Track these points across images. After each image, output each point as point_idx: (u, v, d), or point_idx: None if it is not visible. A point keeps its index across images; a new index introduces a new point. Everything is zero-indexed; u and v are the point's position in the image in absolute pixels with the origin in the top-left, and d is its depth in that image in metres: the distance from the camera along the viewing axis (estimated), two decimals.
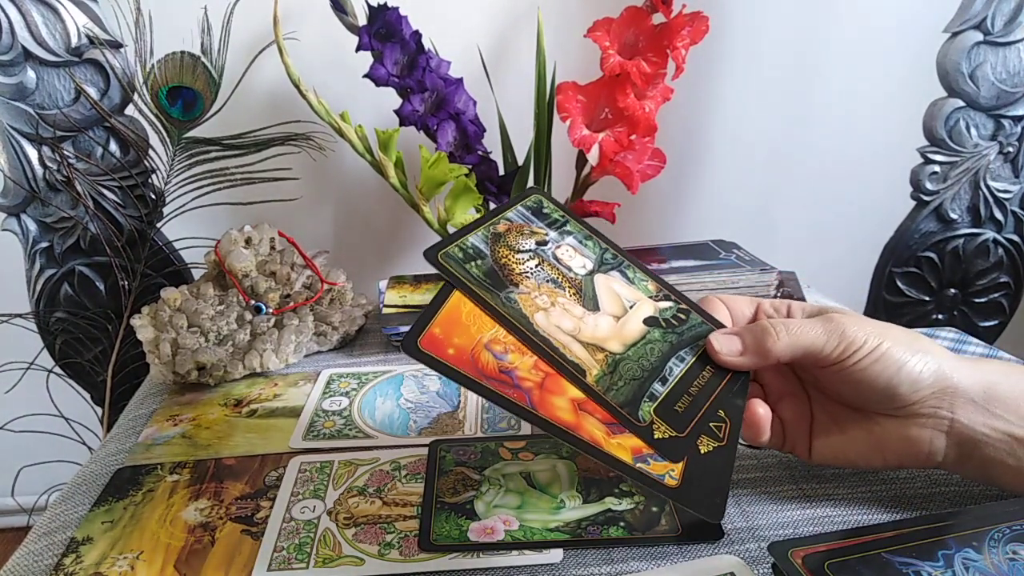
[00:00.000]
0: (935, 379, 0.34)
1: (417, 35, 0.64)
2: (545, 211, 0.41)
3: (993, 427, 0.34)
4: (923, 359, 0.34)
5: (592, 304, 0.37)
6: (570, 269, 0.38)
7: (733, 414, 0.35)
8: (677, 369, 0.36)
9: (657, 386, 0.35)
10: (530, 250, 0.38)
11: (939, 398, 0.34)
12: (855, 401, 0.36)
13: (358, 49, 0.64)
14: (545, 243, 0.39)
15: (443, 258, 0.36)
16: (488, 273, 0.36)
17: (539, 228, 0.40)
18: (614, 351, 0.36)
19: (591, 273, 0.39)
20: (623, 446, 0.32)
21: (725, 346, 0.36)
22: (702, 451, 0.33)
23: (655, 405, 0.34)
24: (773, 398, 0.38)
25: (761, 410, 0.36)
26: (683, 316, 0.39)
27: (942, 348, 0.36)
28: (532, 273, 0.37)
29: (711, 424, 0.35)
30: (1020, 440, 0.34)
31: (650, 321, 0.38)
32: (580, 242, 0.40)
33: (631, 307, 0.38)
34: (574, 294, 0.37)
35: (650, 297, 0.39)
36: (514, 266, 0.37)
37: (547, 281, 0.37)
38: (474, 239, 0.38)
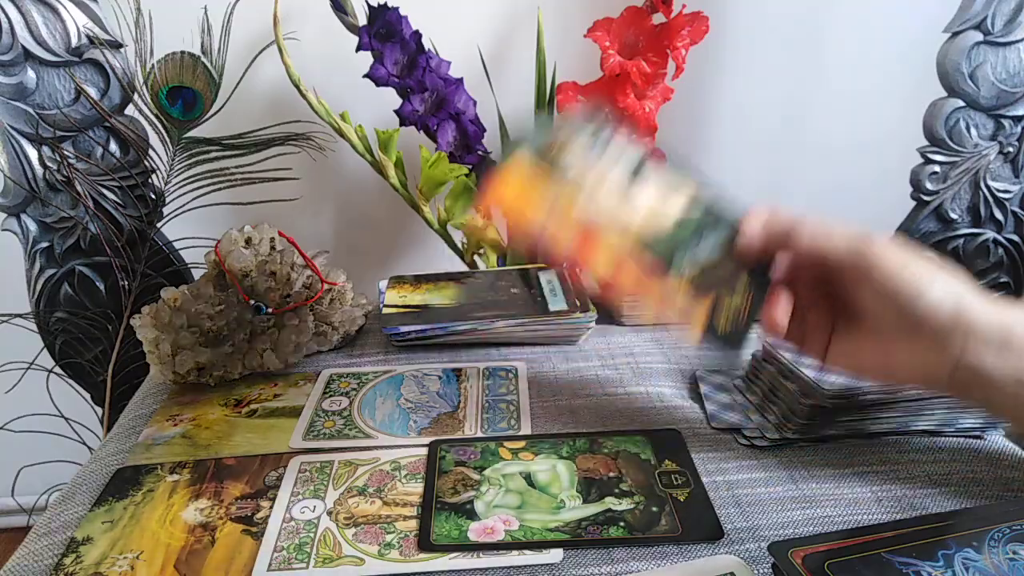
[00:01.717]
0: (954, 310, 0.34)
1: (417, 35, 0.64)
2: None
3: (1003, 367, 0.34)
4: (944, 288, 0.35)
5: (639, 182, 0.41)
6: (622, 154, 0.41)
7: (756, 295, 0.39)
8: (709, 243, 0.39)
9: (689, 255, 0.39)
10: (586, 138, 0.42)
11: (953, 329, 0.34)
12: (874, 318, 0.37)
13: (358, 49, 0.64)
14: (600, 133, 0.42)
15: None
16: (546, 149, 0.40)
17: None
18: (655, 222, 0.39)
19: (640, 159, 0.42)
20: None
21: (753, 227, 0.38)
22: (718, 321, 0.38)
23: (685, 267, 0.38)
24: (801, 304, 0.39)
25: (779, 313, 0.37)
26: (721, 204, 0.41)
27: (965, 282, 0.36)
28: (587, 151, 0.41)
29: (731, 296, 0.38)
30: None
31: (691, 202, 0.41)
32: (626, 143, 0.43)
33: (673, 189, 0.41)
34: (624, 172, 0.41)
35: (691, 185, 0.42)
36: (571, 148, 0.41)
37: (600, 158, 0.41)
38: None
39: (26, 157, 0.74)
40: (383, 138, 0.63)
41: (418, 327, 0.55)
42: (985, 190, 0.85)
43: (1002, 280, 0.91)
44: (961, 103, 0.81)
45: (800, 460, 0.42)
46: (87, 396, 0.87)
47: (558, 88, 0.63)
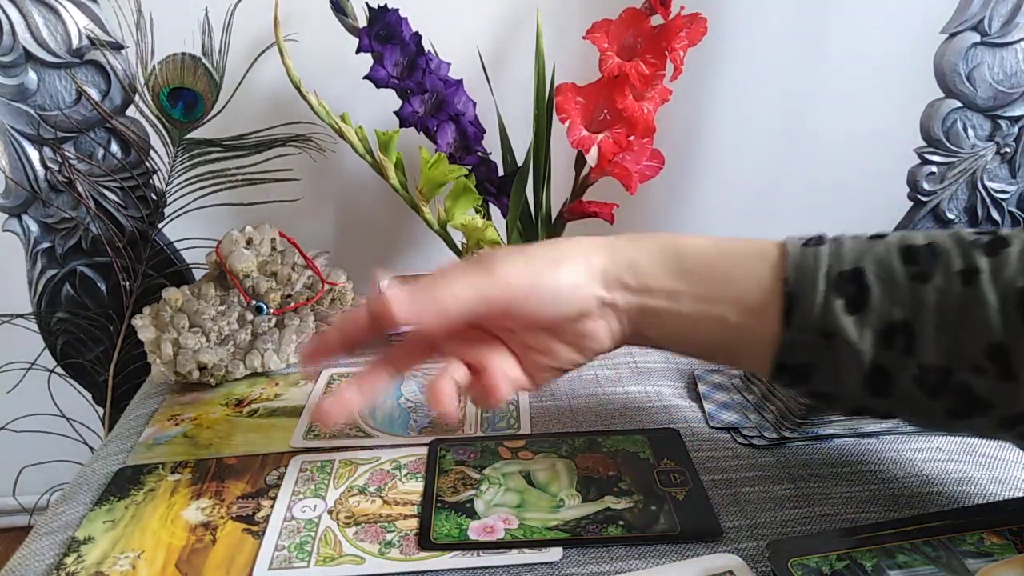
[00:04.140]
0: (591, 287, 0.35)
1: (417, 37, 0.64)
2: None
3: (641, 300, 0.35)
4: (569, 275, 0.35)
5: None
6: None
7: None
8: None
9: None
10: None
11: (609, 300, 0.35)
12: (530, 327, 0.37)
13: (358, 51, 0.64)
14: None
15: None
16: None
17: None
18: None
19: None
20: None
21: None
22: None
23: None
24: (467, 354, 0.38)
25: (442, 384, 0.36)
26: None
27: (581, 247, 0.36)
28: None
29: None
30: (666, 292, 0.35)
31: None
32: None
33: None
34: None
35: None
36: None
37: None
38: None
39: (27, 158, 0.75)
40: (383, 139, 0.63)
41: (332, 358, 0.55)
42: (982, 190, 0.86)
43: None
44: (958, 104, 0.81)
45: (798, 459, 0.42)
46: (88, 396, 0.87)
47: (557, 89, 0.64)
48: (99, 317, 0.82)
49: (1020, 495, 0.38)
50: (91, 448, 0.90)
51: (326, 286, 0.61)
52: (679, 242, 0.36)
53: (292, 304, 0.58)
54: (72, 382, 0.86)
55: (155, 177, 0.78)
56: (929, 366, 0.31)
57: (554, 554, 0.36)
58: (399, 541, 0.37)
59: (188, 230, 0.80)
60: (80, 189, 0.76)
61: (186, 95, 0.75)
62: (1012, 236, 0.32)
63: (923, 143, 0.84)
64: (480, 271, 0.34)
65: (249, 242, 0.61)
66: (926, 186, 0.85)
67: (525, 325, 0.37)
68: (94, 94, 0.73)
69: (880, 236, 0.34)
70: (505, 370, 0.37)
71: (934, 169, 0.84)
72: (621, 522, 0.37)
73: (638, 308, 0.35)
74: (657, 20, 0.63)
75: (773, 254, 0.34)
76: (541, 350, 0.37)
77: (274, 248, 0.62)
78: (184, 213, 0.79)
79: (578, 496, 0.39)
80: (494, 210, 0.72)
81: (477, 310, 0.34)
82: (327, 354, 0.40)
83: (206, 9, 0.72)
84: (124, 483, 0.42)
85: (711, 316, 0.34)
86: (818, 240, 0.34)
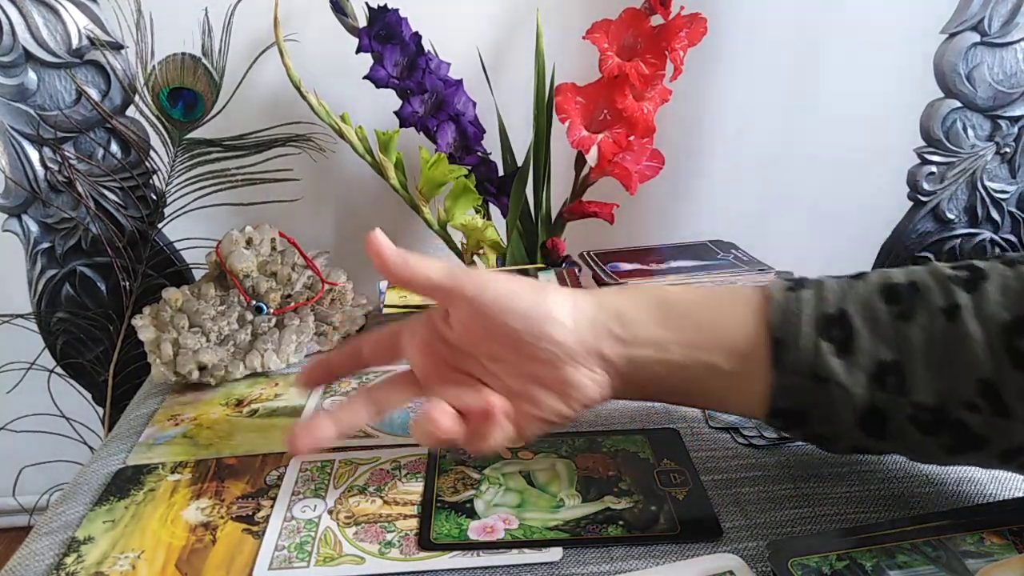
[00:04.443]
0: (579, 336, 0.35)
1: (417, 37, 0.64)
2: None
3: (632, 354, 0.35)
4: (549, 304, 0.35)
5: None
6: None
7: None
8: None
9: None
10: None
11: (577, 348, 0.35)
12: (517, 373, 0.36)
13: (358, 51, 0.64)
14: None
15: None
16: None
17: None
18: None
19: None
20: None
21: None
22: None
23: None
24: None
25: (437, 415, 0.35)
26: None
27: (570, 292, 0.36)
28: None
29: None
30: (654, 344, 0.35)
31: None
32: None
33: None
34: None
35: None
36: None
37: None
38: None
39: (27, 158, 0.75)
40: (383, 139, 0.63)
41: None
42: (982, 190, 0.86)
43: None
44: (958, 104, 0.81)
45: (798, 459, 0.42)
46: (88, 396, 0.87)
47: (557, 89, 0.64)
48: (99, 317, 0.82)
49: (1020, 495, 0.38)
50: (91, 448, 0.90)
51: (326, 286, 0.61)
52: (664, 292, 0.37)
53: (292, 304, 0.58)
54: (72, 382, 0.86)
55: (155, 177, 0.78)
56: (922, 404, 0.31)
57: (554, 554, 0.35)
58: (399, 541, 0.37)
59: (188, 230, 0.80)
60: (80, 189, 0.76)
61: (186, 95, 0.75)
62: (989, 269, 0.32)
63: (923, 143, 0.84)
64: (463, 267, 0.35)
65: (249, 242, 0.61)
66: (926, 186, 0.85)
67: (494, 346, 0.36)
68: (94, 94, 0.73)
69: (860, 275, 0.35)
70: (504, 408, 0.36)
71: (934, 169, 0.84)
72: (621, 522, 0.37)
73: (627, 359, 0.35)
74: (657, 20, 0.63)
75: (757, 299, 0.35)
76: (525, 398, 0.36)
77: (274, 248, 0.62)
78: (184, 213, 0.80)
79: (578, 496, 0.39)
80: (494, 210, 0.72)
81: (446, 284, 0.36)
82: (322, 380, 0.43)
83: (206, 9, 0.72)
84: (124, 483, 0.42)
85: (700, 363, 0.34)
86: (800, 283, 0.35)
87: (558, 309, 0.35)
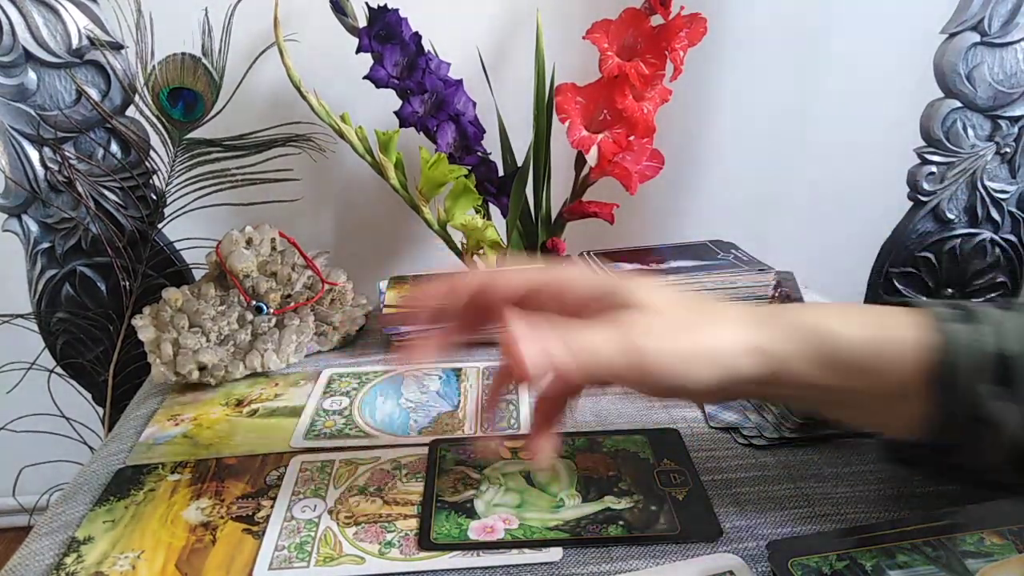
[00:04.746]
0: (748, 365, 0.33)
1: (417, 37, 0.64)
2: None
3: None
4: (719, 366, 0.32)
5: None
6: None
7: None
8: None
9: None
10: None
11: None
12: None
13: (358, 51, 0.64)
14: None
15: None
16: None
17: None
18: None
19: None
20: None
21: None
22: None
23: None
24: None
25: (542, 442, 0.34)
26: None
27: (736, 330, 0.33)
28: None
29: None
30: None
31: None
32: None
33: None
34: None
35: None
36: None
37: None
38: None
39: (27, 158, 0.75)
40: (383, 139, 0.63)
41: (418, 327, 0.55)
42: (982, 190, 0.86)
43: (999, 280, 0.91)
44: (958, 104, 0.81)
45: (798, 459, 0.42)
46: (88, 396, 0.87)
47: (557, 89, 0.64)
48: (99, 317, 0.82)
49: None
50: (91, 448, 0.90)
51: (326, 286, 0.61)
52: (833, 336, 0.33)
53: (292, 304, 0.58)
54: (72, 382, 0.86)
55: (155, 177, 0.78)
56: None
57: (554, 554, 0.35)
58: (399, 541, 0.37)
59: (188, 230, 0.80)
60: (80, 189, 0.76)
61: (186, 95, 0.75)
62: None
63: (923, 143, 0.84)
64: (627, 341, 0.32)
65: (249, 242, 0.61)
66: (926, 186, 0.85)
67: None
68: (94, 94, 0.73)
69: (1013, 305, 0.34)
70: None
71: (934, 169, 0.84)
72: (621, 522, 0.37)
73: (769, 392, 0.34)
74: (657, 20, 0.63)
75: (919, 335, 0.33)
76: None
77: (274, 248, 0.62)
78: (184, 213, 0.79)
79: (578, 496, 0.39)
80: (494, 210, 0.72)
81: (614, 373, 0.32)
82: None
83: (206, 9, 0.72)
84: (124, 483, 0.42)
85: (852, 402, 0.34)
86: (964, 316, 0.33)
87: (723, 368, 0.32)
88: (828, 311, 0.35)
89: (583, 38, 0.63)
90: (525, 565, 0.35)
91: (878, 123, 0.82)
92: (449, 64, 0.67)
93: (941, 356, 0.32)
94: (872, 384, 0.33)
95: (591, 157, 0.64)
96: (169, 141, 0.77)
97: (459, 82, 0.66)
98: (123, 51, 0.73)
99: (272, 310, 0.57)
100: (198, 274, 0.83)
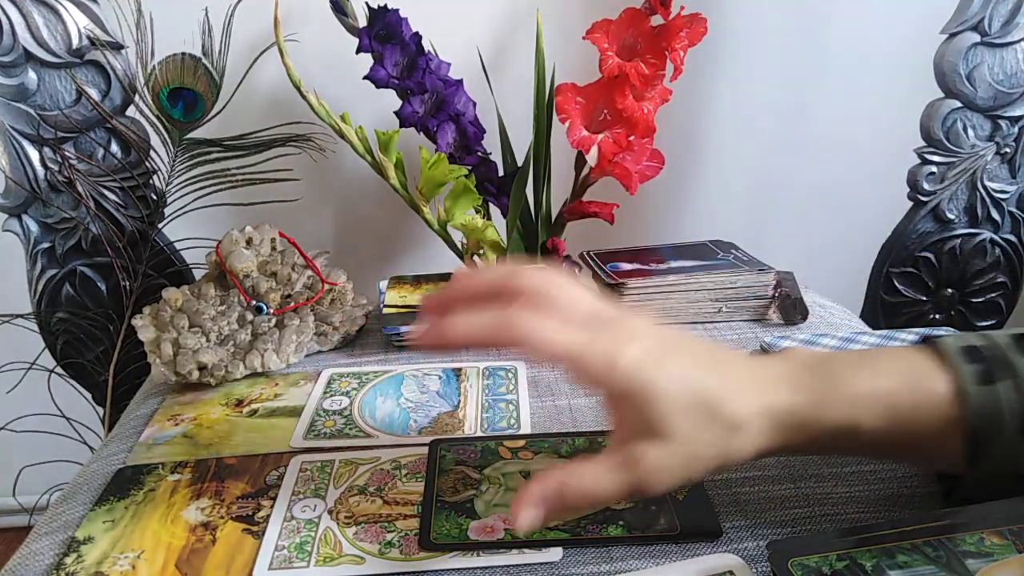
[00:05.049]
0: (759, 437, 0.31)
1: (417, 37, 0.64)
2: None
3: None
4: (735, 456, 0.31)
5: None
6: None
7: None
8: None
9: None
10: None
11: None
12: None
13: (358, 51, 0.64)
14: None
15: None
16: None
17: None
18: None
19: None
20: None
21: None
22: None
23: None
24: None
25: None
26: None
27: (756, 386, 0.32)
28: None
29: None
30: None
31: None
32: None
33: None
34: None
35: None
36: None
37: None
38: None
39: (27, 158, 0.75)
40: (383, 139, 0.63)
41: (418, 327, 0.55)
42: (982, 190, 0.86)
43: (999, 280, 0.91)
44: (958, 104, 0.81)
45: (798, 459, 0.42)
46: (88, 396, 0.87)
47: (557, 89, 0.64)
48: (99, 317, 0.82)
49: (1020, 495, 0.38)
50: (91, 448, 0.90)
51: (326, 286, 0.61)
52: (854, 386, 0.32)
53: (292, 304, 0.58)
54: (72, 382, 0.86)
55: (155, 177, 0.78)
56: None
57: (554, 554, 0.36)
58: (399, 541, 0.37)
59: (188, 230, 0.80)
60: (80, 189, 0.76)
61: (186, 95, 0.75)
62: None
63: (923, 143, 0.84)
64: (626, 471, 0.30)
65: (249, 242, 0.61)
66: (926, 186, 0.85)
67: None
68: (94, 94, 0.73)
69: None
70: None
71: (934, 169, 0.84)
72: (621, 522, 0.37)
73: (800, 446, 0.32)
74: (657, 20, 0.63)
75: (950, 397, 0.31)
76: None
77: (274, 248, 0.62)
78: (184, 213, 0.79)
79: None
80: (494, 210, 0.72)
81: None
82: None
83: (206, 9, 0.72)
84: (124, 483, 0.42)
85: (885, 457, 0.35)
86: (986, 373, 0.31)
87: (741, 453, 0.31)
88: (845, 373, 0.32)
89: (583, 38, 0.63)
90: (525, 565, 0.35)
91: (878, 123, 0.82)
92: (449, 64, 0.67)
93: (971, 429, 0.31)
94: (903, 448, 0.33)
95: (591, 157, 0.64)
96: (169, 141, 0.77)
97: (459, 82, 0.66)
98: (123, 51, 0.73)
99: (272, 310, 0.57)
100: (198, 274, 0.83)
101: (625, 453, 0.30)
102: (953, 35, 0.78)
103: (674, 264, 0.62)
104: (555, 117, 0.65)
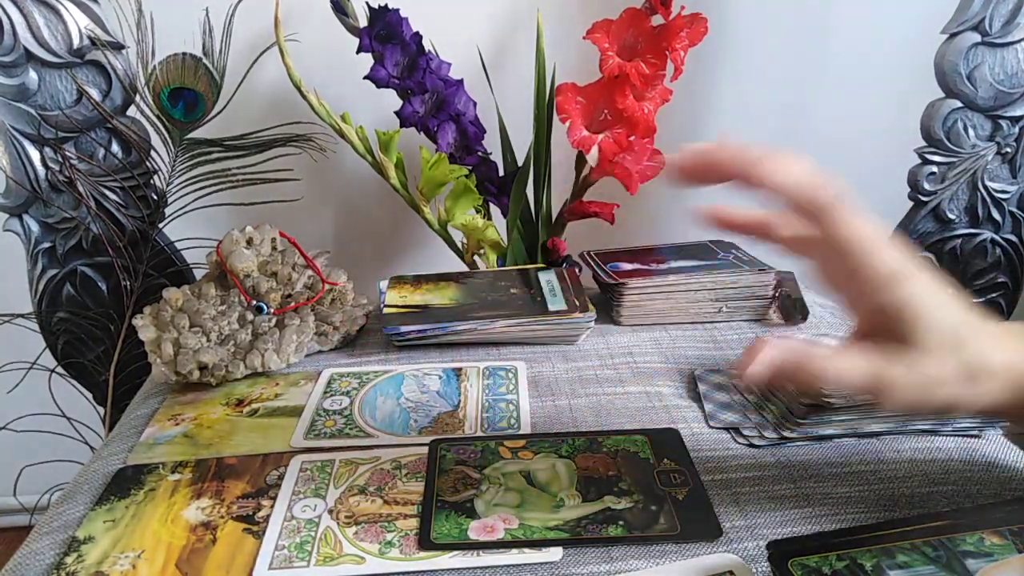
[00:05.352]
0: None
1: (417, 37, 0.64)
2: None
3: None
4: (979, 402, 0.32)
5: None
6: None
7: None
8: None
9: None
10: None
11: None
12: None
13: (359, 51, 0.64)
14: None
15: None
16: None
17: None
18: None
19: None
20: None
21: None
22: None
23: None
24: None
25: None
26: None
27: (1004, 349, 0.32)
28: None
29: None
30: None
31: None
32: None
33: None
34: None
35: None
36: None
37: None
38: None
39: (28, 158, 0.75)
40: (383, 139, 0.63)
41: (418, 327, 0.55)
42: (983, 190, 0.86)
43: (1000, 280, 0.91)
44: (959, 104, 0.81)
45: (798, 459, 0.42)
46: (89, 396, 0.87)
47: (558, 89, 0.64)
48: (100, 317, 0.82)
49: (1020, 495, 0.38)
50: (91, 448, 0.90)
51: (326, 286, 0.61)
52: None
53: (292, 304, 0.58)
54: (73, 382, 0.86)
55: (155, 177, 0.78)
56: None
57: (554, 554, 0.36)
58: (399, 541, 0.37)
59: (188, 230, 0.80)
60: (81, 189, 0.76)
61: (186, 95, 0.75)
62: None
63: (923, 143, 0.84)
64: (879, 365, 0.31)
65: (249, 242, 0.61)
66: (927, 186, 0.85)
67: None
68: (95, 94, 0.73)
69: None
70: None
71: (935, 169, 0.84)
72: (621, 522, 0.37)
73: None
74: (657, 20, 0.63)
75: None
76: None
77: (274, 248, 0.62)
78: (184, 213, 0.80)
79: (578, 496, 0.39)
80: (494, 210, 0.72)
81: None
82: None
83: (206, 9, 0.72)
84: (124, 483, 0.42)
85: None
86: None
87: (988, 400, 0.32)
88: None
89: (583, 38, 0.63)
90: (525, 565, 0.35)
91: (878, 123, 0.82)
92: (449, 64, 0.67)
93: None
94: None
95: (592, 157, 0.64)
96: (170, 141, 0.77)
97: (459, 82, 0.67)
98: (124, 51, 0.73)
99: (272, 310, 0.57)
100: (198, 274, 0.83)
101: (882, 350, 0.32)
102: (954, 35, 0.78)
103: (674, 264, 0.62)
104: (555, 117, 0.65)
